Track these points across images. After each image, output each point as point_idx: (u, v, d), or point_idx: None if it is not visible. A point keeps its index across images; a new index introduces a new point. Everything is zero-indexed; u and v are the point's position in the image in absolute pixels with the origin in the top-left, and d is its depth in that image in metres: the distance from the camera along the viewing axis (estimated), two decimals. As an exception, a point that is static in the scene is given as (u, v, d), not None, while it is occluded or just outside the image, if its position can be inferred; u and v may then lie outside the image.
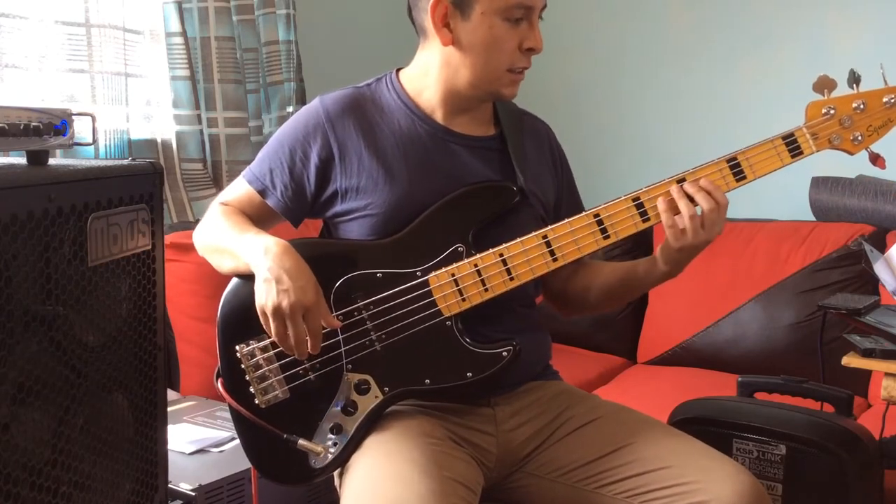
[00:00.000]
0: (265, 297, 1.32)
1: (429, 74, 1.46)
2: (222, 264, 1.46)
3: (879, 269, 1.71)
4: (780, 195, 2.66)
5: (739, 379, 1.87)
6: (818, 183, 2.60)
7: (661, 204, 1.35)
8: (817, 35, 2.75)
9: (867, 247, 1.90)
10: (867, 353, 1.55)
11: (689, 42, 3.00)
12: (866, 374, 2.24)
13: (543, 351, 1.57)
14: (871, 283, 2.36)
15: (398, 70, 1.53)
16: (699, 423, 1.70)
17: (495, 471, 1.44)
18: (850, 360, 1.57)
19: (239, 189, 1.52)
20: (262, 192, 1.49)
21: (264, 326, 1.35)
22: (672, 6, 3.03)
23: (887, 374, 1.54)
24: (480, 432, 1.43)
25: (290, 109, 2.70)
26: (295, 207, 1.48)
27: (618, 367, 2.73)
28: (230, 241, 1.42)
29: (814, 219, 2.66)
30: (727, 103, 2.94)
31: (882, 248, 2.24)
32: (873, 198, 2.50)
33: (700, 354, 2.61)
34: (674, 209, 1.35)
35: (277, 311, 1.31)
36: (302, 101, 2.73)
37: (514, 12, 1.37)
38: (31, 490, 1.05)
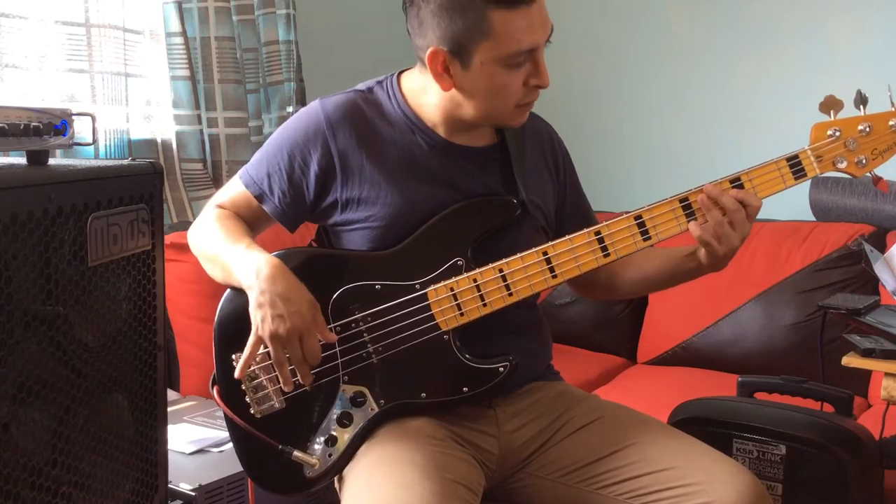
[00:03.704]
0: (261, 323, 1.30)
1: (428, 94, 1.40)
2: (213, 273, 1.44)
3: (879, 269, 1.71)
4: (780, 195, 2.64)
5: (739, 379, 1.87)
6: (818, 183, 2.60)
7: (694, 230, 1.35)
8: (818, 37, 2.74)
9: (867, 247, 1.90)
10: (867, 353, 1.54)
11: (690, 44, 2.99)
12: (866, 374, 2.24)
13: (544, 352, 1.56)
14: (871, 283, 2.36)
15: (399, 74, 1.47)
16: (699, 423, 1.70)
17: (497, 472, 1.44)
18: (850, 360, 1.56)
19: (235, 191, 1.50)
20: (259, 198, 1.46)
21: (251, 348, 1.32)
22: (673, 8, 3.02)
23: (887, 374, 1.54)
24: (482, 433, 1.42)
25: (290, 109, 2.70)
26: (292, 214, 1.46)
27: (618, 367, 2.73)
28: (222, 253, 1.40)
29: (814, 219, 2.65)
30: (728, 104, 2.93)
31: (882, 248, 2.24)
32: (873, 198, 2.50)
33: (700, 354, 2.60)
34: (703, 220, 1.36)
35: (275, 337, 1.30)
36: (302, 101, 2.73)
37: (514, 59, 1.31)
38: (31, 490, 1.05)
